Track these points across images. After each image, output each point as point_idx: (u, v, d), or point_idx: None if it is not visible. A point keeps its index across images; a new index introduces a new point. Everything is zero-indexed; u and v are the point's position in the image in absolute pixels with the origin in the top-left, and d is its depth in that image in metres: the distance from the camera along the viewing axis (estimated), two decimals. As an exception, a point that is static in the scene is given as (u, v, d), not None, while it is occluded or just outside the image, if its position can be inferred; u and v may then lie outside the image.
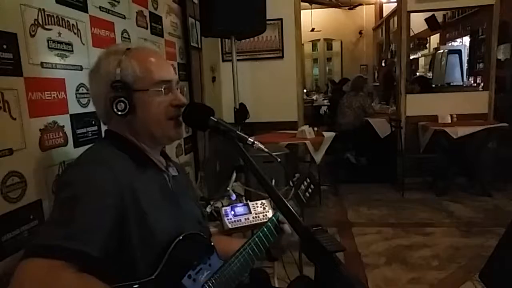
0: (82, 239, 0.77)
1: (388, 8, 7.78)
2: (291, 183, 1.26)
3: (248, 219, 1.68)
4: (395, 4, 4.92)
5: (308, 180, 1.28)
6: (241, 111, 2.77)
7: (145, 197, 0.92)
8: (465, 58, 5.94)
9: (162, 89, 0.99)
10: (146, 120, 0.99)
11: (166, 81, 1.01)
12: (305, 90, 7.47)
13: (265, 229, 1.09)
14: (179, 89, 1.05)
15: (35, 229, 1.19)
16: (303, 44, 5.28)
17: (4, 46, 1.13)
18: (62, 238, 0.76)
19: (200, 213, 1.15)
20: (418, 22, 6.03)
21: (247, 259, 1.02)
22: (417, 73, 6.78)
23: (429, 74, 6.27)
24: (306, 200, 1.24)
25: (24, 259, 0.74)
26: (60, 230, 0.78)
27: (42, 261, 0.73)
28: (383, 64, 8.08)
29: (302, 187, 1.25)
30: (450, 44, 6.66)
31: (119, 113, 0.95)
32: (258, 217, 1.68)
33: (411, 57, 6.36)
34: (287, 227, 1.14)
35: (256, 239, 1.07)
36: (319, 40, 9.38)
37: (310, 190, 1.28)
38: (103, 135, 1.09)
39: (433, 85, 5.58)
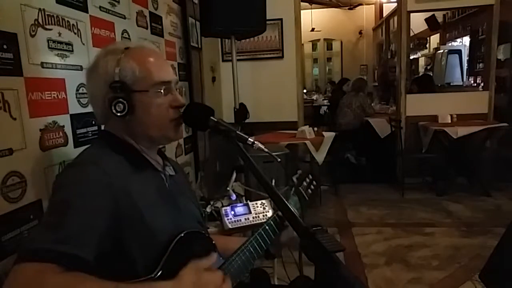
0: (73, 242, 0.76)
1: (388, 8, 7.78)
2: (293, 179, 1.23)
3: (248, 219, 1.68)
4: (395, 4, 4.93)
5: (310, 177, 1.25)
6: (241, 111, 2.77)
7: (141, 198, 0.91)
8: (465, 58, 5.94)
9: (162, 91, 0.98)
10: (145, 122, 0.98)
11: (166, 82, 1.00)
12: (305, 90, 7.47)
13: (266, 227, 1.09)
14: (177, 90, 1.04)
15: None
16: (303, 44, 5.28)
17: (4, 46, 1.13)
18: (53, 242, 0.75)
19: (199, 213, 1.15)
20: (418, 22, 6.02)
21: (248, 257, 1.02)
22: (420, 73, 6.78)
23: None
24: (308, 197, 1.21)
25: (16, 264, 0.73)
26: (51, 233, 0.77)
27: (32, 265, 0.72)
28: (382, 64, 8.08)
29: (304, 183, 1.22)
30: (450, 44, 6.66)
31: (118, 114, 0.94)
32: (258, 217, 1.69)
33: (411, 57, 6.36)
34: None
35: (258, 237, 1.06)
36: (319, 40, 9.37)
37: (312, 187, 1.24)
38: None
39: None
